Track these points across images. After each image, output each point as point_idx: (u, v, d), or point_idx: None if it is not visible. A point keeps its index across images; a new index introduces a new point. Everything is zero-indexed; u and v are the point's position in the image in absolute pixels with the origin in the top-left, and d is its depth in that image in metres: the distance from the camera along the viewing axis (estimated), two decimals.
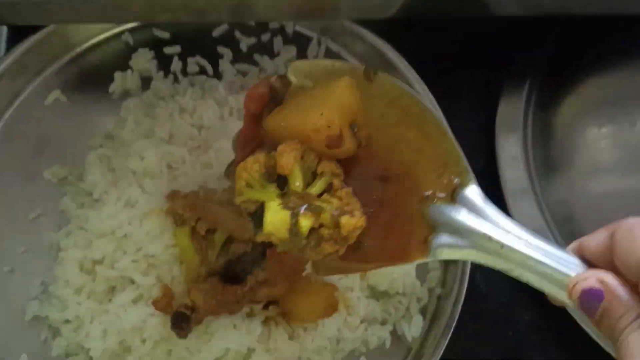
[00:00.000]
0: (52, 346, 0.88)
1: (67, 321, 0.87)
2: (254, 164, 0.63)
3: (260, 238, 0.64)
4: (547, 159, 1.02)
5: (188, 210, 0.82)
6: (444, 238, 0.61)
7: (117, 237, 0.86)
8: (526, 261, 0.56)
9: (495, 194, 0.99)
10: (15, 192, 0.94)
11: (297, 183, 0.63)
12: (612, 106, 1.06)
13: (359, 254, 0.64)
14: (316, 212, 0.61)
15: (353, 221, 0.61)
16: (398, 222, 0.64)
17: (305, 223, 0.61)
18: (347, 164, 0.65)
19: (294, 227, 0.61)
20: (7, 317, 0.88)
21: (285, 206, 0.62)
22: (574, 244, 0.58)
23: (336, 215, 0.61)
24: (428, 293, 0.92)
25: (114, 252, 0.86)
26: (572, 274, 0.54)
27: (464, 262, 0.88)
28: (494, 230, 0.58)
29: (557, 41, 1.08)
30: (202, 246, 0.82)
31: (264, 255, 0.81)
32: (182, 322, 0.79)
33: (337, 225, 0.61)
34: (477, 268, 0.94)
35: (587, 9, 0.89)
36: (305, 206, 0.62)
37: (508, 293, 0.98)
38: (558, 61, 1.08)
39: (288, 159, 0.61)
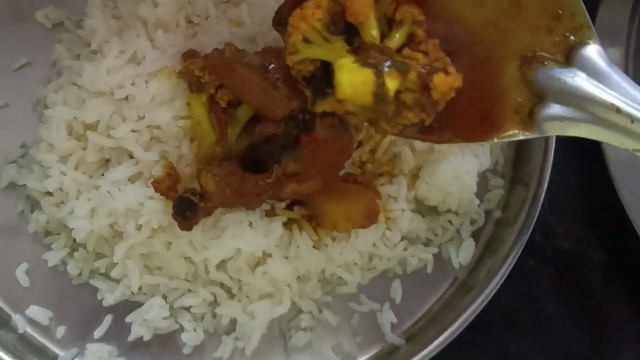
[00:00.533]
0: (30, 220, 0.74)
1: (48, 193, 0.73)
2: (316, 10, 0.49)
3: (331, 107, 0.51)
4: None
5: (209, 73, 0.64)
6: (555, 109, 0.51)
7: (116, 99, 0.69)
8: None
9: None
10: (1, 34, 0.78)
11: (373, 32, 0.47)
12: None
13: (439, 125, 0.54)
14: (403, 69, 0.46)
15: (449, 80, 0.48)
16: (492, 88, 0.53)
17: (393, 84, 0.47)
18: (428, 11, 0.52)
19: (380, 89, 0.47)
20: None
21: (363, 63, 0.47)
22: None
23: (425, 73, 0.47)
24: (485, 215, 0.77)
25: (111, 116, 0.70)
26: None
27: (539, 182, 0.72)
28: (623, 100, 0.49)
29: None
30: (222, 121, 0.65)
31: (297, 141, 0.65)
32: (187, 210, 0.65)
33: (425, 87, 0.47)
34: (546, 192, 0.79)
35: None
36: (389, 63, 0.46)
37: (579, 226, 0.82)
38: None
39: (362, 2, 0.45)
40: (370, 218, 0.70)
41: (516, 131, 0.53)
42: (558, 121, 0.52)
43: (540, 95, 0.52)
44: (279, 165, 0.65)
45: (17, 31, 0.79)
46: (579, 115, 0.51)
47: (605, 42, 0.82)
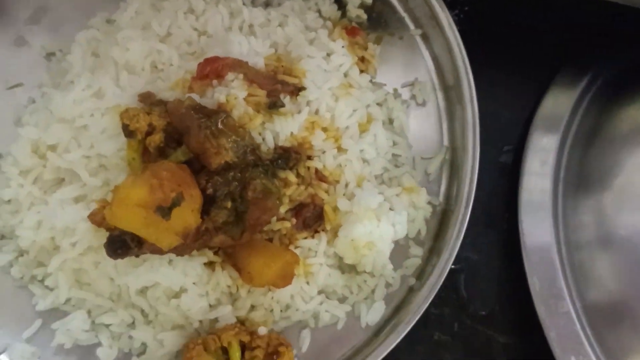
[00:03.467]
0: None
1: (7, 201, 0.80)
2: None
3: None
4: (580, 173, 0.86)
5: (162, 117, 0.72)
6: None
7: (75, 127, 0.77)
8: None
9: (513, 191, 0.86)
10: (3, 56, 0.88)
11: None
12: None
13: None
14: None
15: None
16: None
17: None
18: None
19: None
20: None
21: None
22: None
23: None
24: (401, 280, 0.81)
25: (69, 141, 0.78)
26: None
27: (447, 258, 0.75)
28: None
29: (636, 47, 0.91)
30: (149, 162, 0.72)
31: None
32: (120, 249, 0.70)
33: None
34: (462, 269, 0.82)
35: None
36: None
37: (489, 306, 0.85)
38: (628, 68, 0.91)
39: None
40: (285, 280, 0.74)
41: None
42: None
43: None
44: (208, 217, 0.70)
45: (17, 55, 0.88)
46: None
47: (544, 131, 0.87)
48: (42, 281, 0.80)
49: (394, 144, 0.85)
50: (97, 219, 0.72)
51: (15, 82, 0.87)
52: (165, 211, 0.65)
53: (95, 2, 0.89)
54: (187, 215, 0.66)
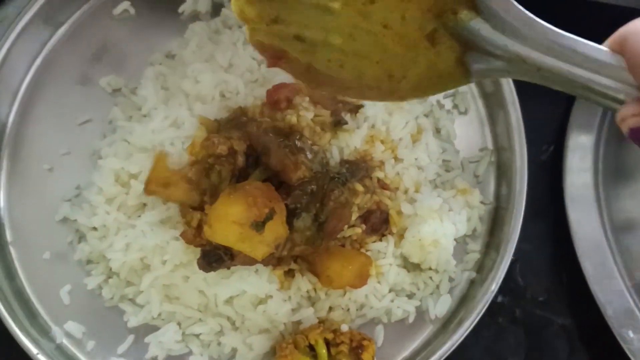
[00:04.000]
0: (76, 250, 0.88)
1: (94, 228, 0.87)
2: None
3: None
4: (617, 164, 0.94)
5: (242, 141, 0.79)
6: (475, 58, 0.55)
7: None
8: (571, 82, 0.51)
9: (556, 184, 0.93)
10: (69, 94, 0.95)
11: None
12: None
13: None
14: None
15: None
16: (422, 50, 0.57)
17: None
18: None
19: None
20: (40, 213, 0.90)
21: None
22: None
23: None
24: (462, 275, 0.88)
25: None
26: (621, 96, 0.50)
27: (505, 251, 0.83)
28: (528, 49, 0.51)
29: None
30: None
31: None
32: (215, 262, 0.77)
33: None
34: (517, 259, 0.89)
35: None
36: None
37: (545, 291, 0.92)
38: None
39: None
40: (361, 280, 0.81)
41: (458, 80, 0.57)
42: (483, 68, 0.55)
43: (463, 46, 0.55)
44: (292, 229, 0.76)
45: (84, 93, 0.94)
46: (496, 64, 0.54)
47: (580, 128, 0.95)
48: (131, 299, 0.86)
49: (443, 150, 0.92)
50: (189, 236, 0.79)
51: (84, 119, 0.94)
52: (259, 225, 0.71)
53: (153, 38, 0.96)
54: (278, 227, 0.73)
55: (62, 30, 0.96)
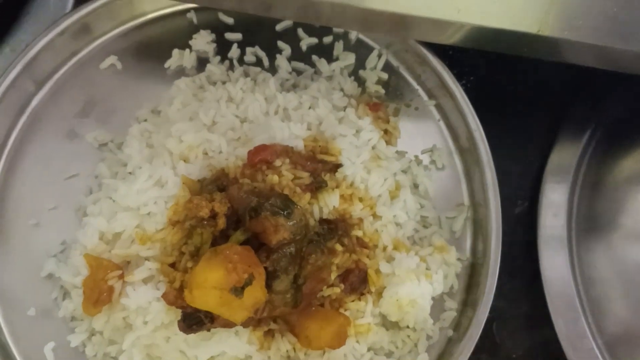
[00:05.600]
0: (60, 306, 0.89)
1: (78, 287, 0.88)
2: None
3: None
4: (591, 216, 0.97)
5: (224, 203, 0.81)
6: None
7: (140, 214, 0.86)
8: None
9: (530, 239, 0.95)
10: (56, 149, 0.96)
11: None
12: None
13: None
14: None
15: None
16: None
17: None
18: None
19: None
20: (25, 269, 0.91)
21: None
22: None
23: None
24: (439, 332, 0.90)
25: (136, 228, 0.86)
26: None
27: (481, 309, 0.85)
28: None
29: (627, 98, 1.03)
30: None
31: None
32: (195, 324, 0.78)
33: None
34: (493, 317, 0.91)
35: None
36: None
37: (521, 348, 0.94)
38: (624, 118, 1.03)
39: None
40: (339, 340, 0.83)
41: None
42: None
43: None
44: (271, 291, 0.78)
45: (71, 148, 0.96)
46: None
47: (554, 183, 0.98)
48: (114, 358, 0.87)
49: (421, 206, 0.95)
50: (170, 298, 0.80)
51: (71, 173, 0.95)
52: (238, 291, 0.73)
53: (139, 93, 0.98)
54: (257, 292, 0.75)
55: (49, 85, 0.97)
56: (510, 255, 0.94)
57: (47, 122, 0.96)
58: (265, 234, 0.79)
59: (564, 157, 1.01)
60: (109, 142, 0.97)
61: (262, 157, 0.84)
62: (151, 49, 1.00)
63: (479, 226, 0.94)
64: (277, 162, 0.85)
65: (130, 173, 0.91)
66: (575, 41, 0.80)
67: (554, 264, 0.92)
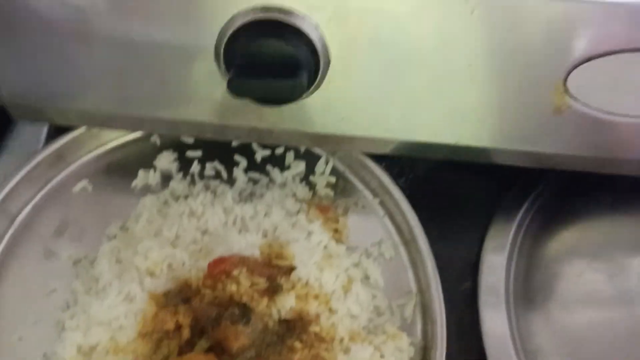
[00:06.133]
0: None
1: None
2: None
3: None
4: (527, 291, 1.06)
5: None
6: None
7: (112, 328, 0.94)
8: None
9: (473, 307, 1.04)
10: (35, 267, 1.05)
11: None
12: (604, 250, 1.10)
13: None
14: None
15: None
16: None
17: None
18: None
19: None
20: None
21: None
22: None
23: None
24: None
25: (109, 340, 0.94)
26: None
27: None
28: None
29: (557, 177, 1.15)
30: None
31: None
32: None
33: None
34: None
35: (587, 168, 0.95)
36: None
37: None
38: (556, 195, 1.14)
39: None
40: None
41: None
42: None
43: None
44: None
45: (48, 266, 1.04)
46: None
47: (491, 265, 1.07)
48: None
49: (373, 297, 1.03)
50: None
51: (50, 289, 1.03)
52: None
53: (109, 213, 1.08)
54: None
55: (25, 211, 1.08)
56: (460, 337, 1.02)
57: (25, 243, 1.06)
58: (227, 341, 0.87)
59: (500, 238, 1.11)
60: (82, 258, 1.05)
61: (220, 269, 0.93)
62: (119, 171, 1.11)
63: (426, 311, 1.02)
64: (235, 272, 0.94)
65: (102, 289, 1.00)
66: (492, 148, 0.91)
67: (498, 345, 1.00)
